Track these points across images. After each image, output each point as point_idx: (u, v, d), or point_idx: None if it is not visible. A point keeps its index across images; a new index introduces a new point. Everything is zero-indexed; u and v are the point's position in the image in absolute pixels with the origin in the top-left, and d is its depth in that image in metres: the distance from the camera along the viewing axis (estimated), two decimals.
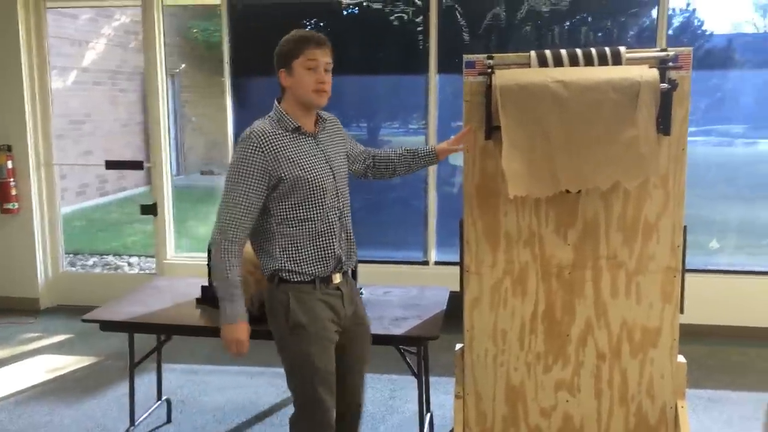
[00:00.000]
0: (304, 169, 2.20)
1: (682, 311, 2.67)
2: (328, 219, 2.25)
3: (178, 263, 4.99)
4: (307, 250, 2.23)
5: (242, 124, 4.94)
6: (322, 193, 2.22)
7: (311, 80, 2.19)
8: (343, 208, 2.31)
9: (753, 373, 3.89)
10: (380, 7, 4.70)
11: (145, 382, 3.68)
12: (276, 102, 2.29)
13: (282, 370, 3.92)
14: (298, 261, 2.22)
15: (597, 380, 2.74)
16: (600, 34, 4.60)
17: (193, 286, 3.23)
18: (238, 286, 2.20)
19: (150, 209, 4.98)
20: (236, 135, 4.93)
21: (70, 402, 3.62)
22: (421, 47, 4.65)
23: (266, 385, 3.78)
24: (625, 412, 2.75)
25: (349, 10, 4.80)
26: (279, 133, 2.21)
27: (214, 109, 12.42)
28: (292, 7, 4.94)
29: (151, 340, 3.23)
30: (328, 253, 2.26)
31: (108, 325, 2.90)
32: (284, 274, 2.23)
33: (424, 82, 4.66)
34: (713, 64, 4.79)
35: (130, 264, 6.92)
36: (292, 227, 2.22)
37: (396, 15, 4.68)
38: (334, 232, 2.27)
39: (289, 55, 2.20)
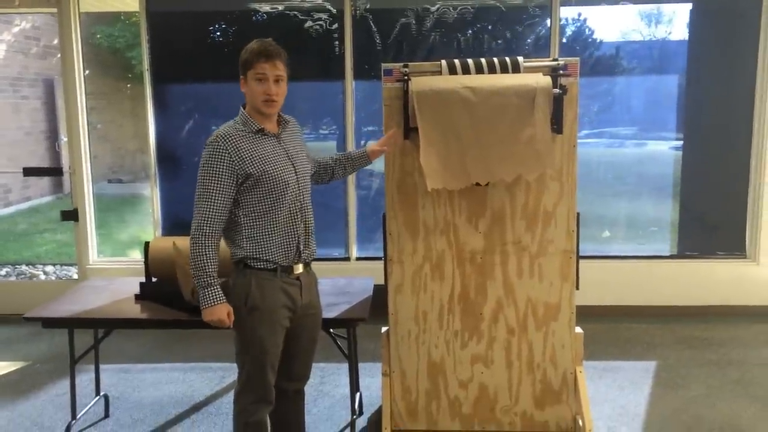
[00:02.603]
0: (267, 165, 2.41)
1: (577, 287, 3.04)
2: (290, 211, 2.48)
3: (101, 268, 5.03)
4: (271, 240, 2.45)
5: (164, 131, 5.05)
6: (284, 188, 2.44)
7: (260, 91, 2.41)
8: (305, 201, 2.54)
9: (639, 345, 4.37)
10: (296, 14, 4.94)
11: (79, 381, 3.75)
12: (241, 107, 2.50)
13: (213, 365, 4.13)
14: (262, 250, 2.44)
15: (507, 352, 3.07)
16: (500, 42, 4.99)
17: (129, 284, 3.36)
18: (214, 276, 2.40)
19: (71, 215, 5.00)
20: (158, 142, 5.03)
21: (2, 404, 3.65)
22: (336, 54, 4.92)
23: (199, 379, 3.93)
24: (532, 380, 3.10)
25: (260, 17, 5.00)
26: (243, 134, 2.42)
27: (120, 115, 12.20)
28: (208, 15, 5.10)
29: (84, 341, 3.33)
30: (289, 243, 2.48)
31: (50, 322, 2.99)
32: (249, 261, 2.45)
33: (341, 88, 4.93)
34: (604, 70, 5.27)
35: (45, 273, 6.81)
36: (258, 219, 2.44)
37: (312, 23, 4.93)
38: (296, 223, 2.50)
39: (245, 66, 2.42)
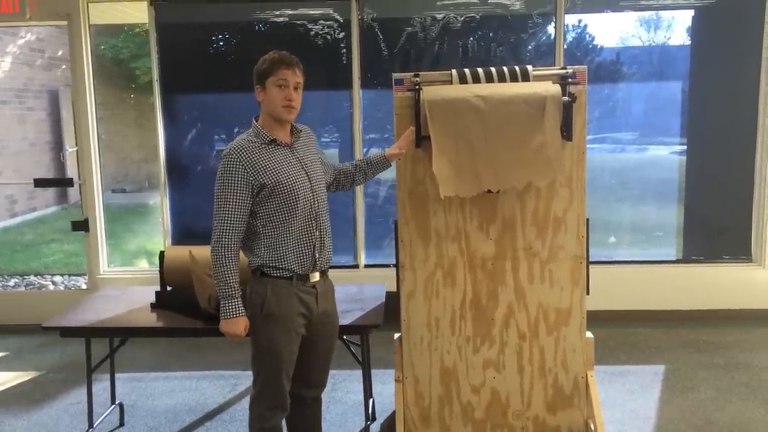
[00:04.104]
0: (281, 174, 2.46)
1: (588, 292, 3.08)
2: (305, 219, 2.52)
3: (112, 278, 5.06)
4: (287, 249, 2.49)
5: (173, 141, 5.09)
6: (298, 197, 2.49)
7: (280, 97, 2.46)
8: (320, 210, 2.58)
9: (647, 349, 4.40)
10: (304, 23, 4.99)
11: (94, 390, 3.76)
12: (254, 120, 2.56)
13: (226, 373, 4.16)
14: (279, 258, 2.49)
15: (519, 357, 3.11)
16: (502, 48, 5.04)
17: (143, 293, 3.40)
18: (235, 287, 2.45)
19: (81, 225, 5.04)
20: (168, 151, 5.07)
21: (18, 414, 3.69)
22: (344, 63, 4.96)
23: (212, 387, 3.96)
24: (544, 384, 3.13)
25: (268, 27, 5.05)
26: (256, 146, 2.47)
27: (124, 125, 12.25)
28: (216, 26, 5.15)
29: (97, 350, 3.35)
30: (304, 252, 2.53)
31: (68, 332, 3.02)
32: (266, 269, 2.49)
33: (349, 97, 4.98)
34: (604, 76, 5.31)
35: (54, 283, 6.85)
36: (274, 228, 2.48)
37: (320, 32, 4.98)
38: (311, 232, 2.54)
39: (264, 74, 2.47)
